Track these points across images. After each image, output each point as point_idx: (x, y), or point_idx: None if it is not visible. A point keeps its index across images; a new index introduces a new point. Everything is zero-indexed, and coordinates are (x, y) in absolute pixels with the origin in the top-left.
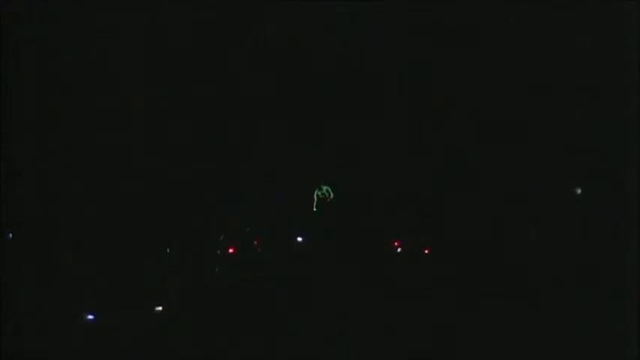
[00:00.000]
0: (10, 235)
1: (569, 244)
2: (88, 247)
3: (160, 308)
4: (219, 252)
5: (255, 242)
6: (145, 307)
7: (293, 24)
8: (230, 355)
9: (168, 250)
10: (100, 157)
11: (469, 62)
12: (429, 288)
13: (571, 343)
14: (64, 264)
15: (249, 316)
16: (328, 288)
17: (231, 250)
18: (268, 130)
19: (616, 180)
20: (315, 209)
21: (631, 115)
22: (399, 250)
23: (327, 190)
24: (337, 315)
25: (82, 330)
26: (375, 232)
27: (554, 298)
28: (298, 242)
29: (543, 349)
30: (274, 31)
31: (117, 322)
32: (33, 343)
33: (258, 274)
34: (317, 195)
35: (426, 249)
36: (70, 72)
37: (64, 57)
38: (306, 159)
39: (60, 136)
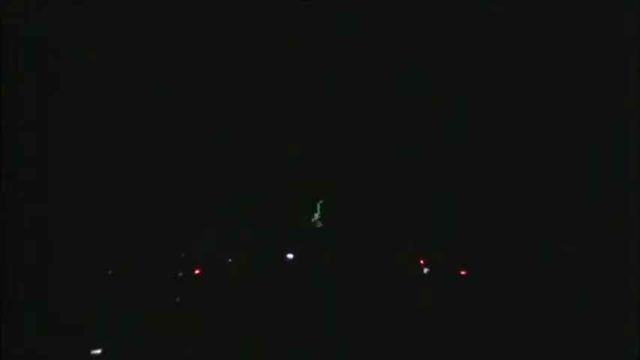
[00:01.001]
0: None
1: (568, 244)
2: (85, 248)
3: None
4: (180, 274)
5: (230, 260)
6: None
7: (293, 24)
8: None
9: (110, 272)
10: (99, 158)
11: (469, 62)
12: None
13: (571, 343)
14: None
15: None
16: (326, 319)
17: (197, 272)
18: (267, 131)
19: (616, 180)
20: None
21: (631, 115)
22: (425, 270)
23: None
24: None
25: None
26: (389, 246)
27: (554, 298)
28: (288, 260)
29: (543, 349)
30: (274, 31)
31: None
32: (33, 344)
33: (234, 301)
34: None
35: (462, 269)
36: (70, 72)
37: (64, 57)
38: (306, 161)
39: (60, 136)
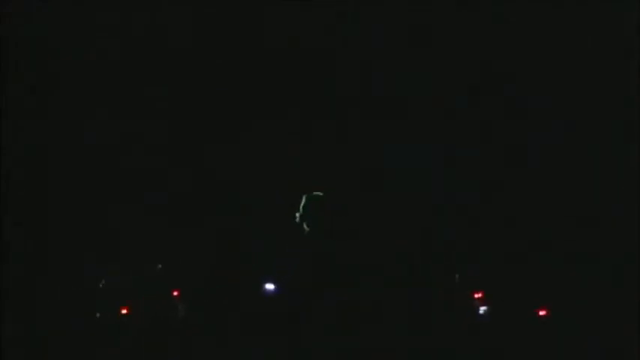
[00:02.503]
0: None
1: (568, 244)
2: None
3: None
4: (98, 314)
5: (175, 294)
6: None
7: (293, 24)
8: None
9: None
10: (98, 157)
11: (469, 62)
12: None
13: (571, 343)
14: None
15: None
16: None
17: (124, 311)
18: (266, 131)
19: (616, 180)
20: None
21: (631, 115)
22: (482, 309)
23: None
24: None
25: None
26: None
27: (554, 298)
28: (269, 291)
29: (543, 349)
30: (274, 31)
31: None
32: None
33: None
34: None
35: (541, 309)
36: (70, 72)
37: (64, 57)
38: (305, 164)
39: (59, 136)
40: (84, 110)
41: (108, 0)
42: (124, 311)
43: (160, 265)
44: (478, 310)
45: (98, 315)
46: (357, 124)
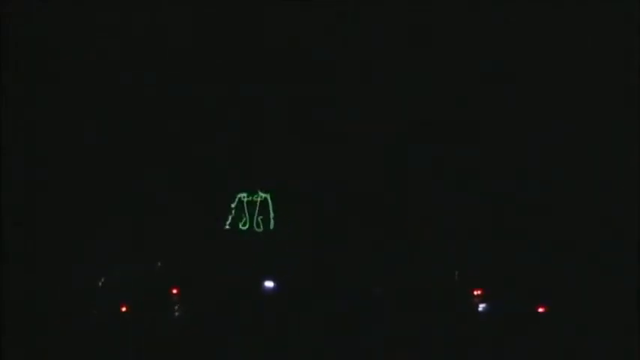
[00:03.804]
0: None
1: (569, 244)
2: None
3: None
4: (96, 312)
5: (175, 291)
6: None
7: (293, 24)
8: None
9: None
10: (98, 156)
11: (469, 62)
12: None
13: (571, 342)
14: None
15: None
16: None
17: (124, 309)
18: (266, 131)
19: (616, 179)
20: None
21: (631, 115)
22: (481, 306)
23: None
24: None
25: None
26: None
27: (555, 298)
28: (268, 289)
29: (545, 349)
30: (274, 31)
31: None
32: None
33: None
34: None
35: (540, 306)
36: (69, 72)
37: (64, 57)
38: (305, 164)
39: (58, 135)
40: (84, 110)
41: (108, 0)
42: (123, 309)
43: (159, 263)
44: (477, 307)
45: (97, 313)
46: (357, 124)
